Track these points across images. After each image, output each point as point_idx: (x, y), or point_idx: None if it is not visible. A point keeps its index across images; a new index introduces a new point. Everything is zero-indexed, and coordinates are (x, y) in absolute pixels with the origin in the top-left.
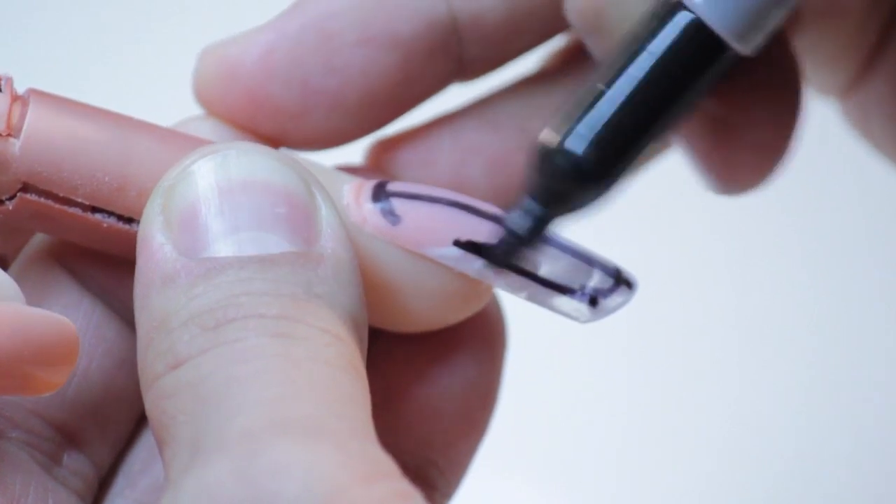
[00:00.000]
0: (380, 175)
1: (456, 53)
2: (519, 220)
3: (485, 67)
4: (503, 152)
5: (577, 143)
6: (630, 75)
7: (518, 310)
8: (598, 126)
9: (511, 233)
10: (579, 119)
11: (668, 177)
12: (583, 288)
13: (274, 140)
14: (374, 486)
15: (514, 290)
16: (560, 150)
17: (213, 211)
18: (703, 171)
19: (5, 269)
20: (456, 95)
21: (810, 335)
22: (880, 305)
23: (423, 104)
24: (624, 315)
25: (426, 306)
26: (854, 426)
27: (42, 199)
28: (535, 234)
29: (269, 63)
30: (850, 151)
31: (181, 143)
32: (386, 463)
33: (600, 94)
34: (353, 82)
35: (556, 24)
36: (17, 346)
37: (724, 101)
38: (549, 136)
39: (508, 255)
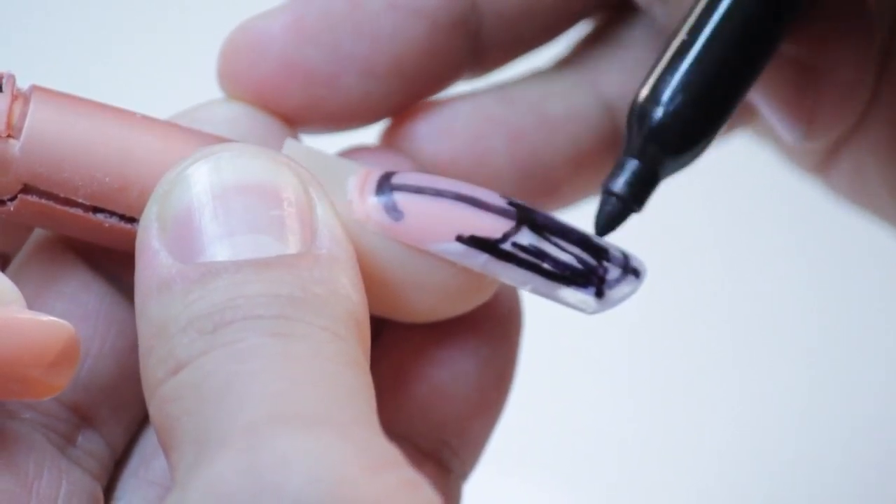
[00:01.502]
0: (393, 156)
1: (475, 32)
2: (620, 183)
3: (499, 57)
4: (523, 127)
5: (671, 96)
6: (712, 21)
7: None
8: (689, 78)
9: (611, 194)
10: (669, 73)
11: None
12: (588, 279)
13: (299, 116)
14: (380, 475)
15: (518, 283)
16: (654, 105)
17: (208, 215)
18: (786, 119)
19: (6, 266)
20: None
21: (821, 332)
22: (883, 301)
23: (442, 89)
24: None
25: (430, 300)
26: (854, 418)
27: (43, 200)
28: (638, 193)
29: (300, 28)
30: None
31: (183, 139)
32: (392, 452)
33: (687, 47)
34: (383, 48)
35: (569, 11)
36: (16, 351)
37: (804, 44)
38: (642, 93)
39: (612, 217)
